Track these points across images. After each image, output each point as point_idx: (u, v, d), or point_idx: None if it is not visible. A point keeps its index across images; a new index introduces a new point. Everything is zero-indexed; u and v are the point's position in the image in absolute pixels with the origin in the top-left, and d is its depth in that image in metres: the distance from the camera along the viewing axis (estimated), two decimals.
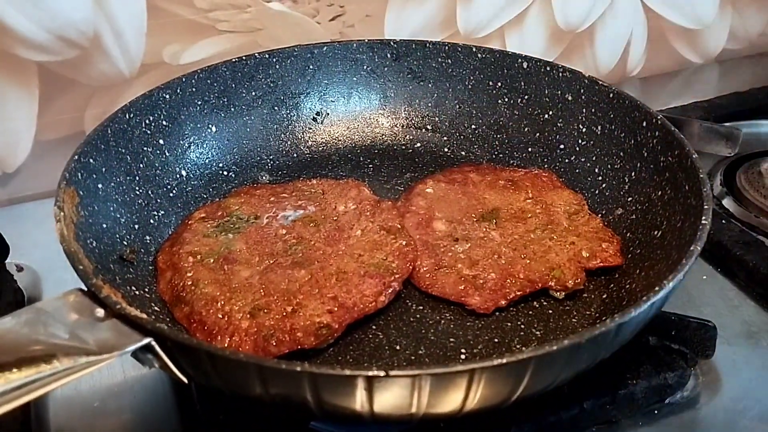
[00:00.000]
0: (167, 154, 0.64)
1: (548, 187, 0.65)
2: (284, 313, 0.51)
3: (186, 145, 0.66)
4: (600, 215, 0.62)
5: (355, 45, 0.73)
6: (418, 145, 0.73)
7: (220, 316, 0.51)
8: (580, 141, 0.67)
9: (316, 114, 0.73)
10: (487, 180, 0.65)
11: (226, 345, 0.50)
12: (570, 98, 0.67)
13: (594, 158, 0.65)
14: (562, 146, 0.68)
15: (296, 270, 0.55)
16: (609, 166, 0.64)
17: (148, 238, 0.59)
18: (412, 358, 0.51)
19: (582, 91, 0.67)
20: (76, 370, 0.38)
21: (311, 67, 0.72)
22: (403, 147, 0.73)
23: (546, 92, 0.69)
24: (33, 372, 0.37)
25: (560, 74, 0.68)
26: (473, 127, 0.72)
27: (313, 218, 0.61)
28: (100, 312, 0.42)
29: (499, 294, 0.54)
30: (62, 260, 0.47)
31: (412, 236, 0.59)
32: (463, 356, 0.51)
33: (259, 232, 0.59)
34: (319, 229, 0.59)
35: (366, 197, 0.63)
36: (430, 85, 0.74)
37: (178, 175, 0.64)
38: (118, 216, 0.57)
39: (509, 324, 0.54)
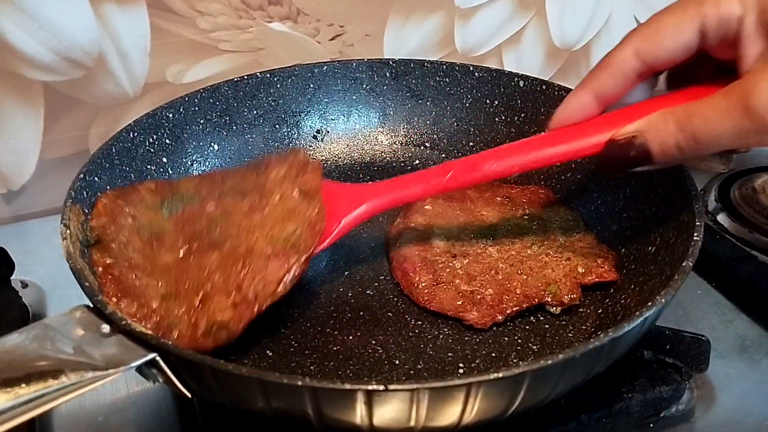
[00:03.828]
0: (170, 172, 0.65)
1: (544, 203, 0.66)
2: (192, 306, 0.49)
3: (189, 163, 0.67)
4: (595, 231, 0.63)
5: (354, 64, 0.74)
6: (417, 162, 0.74)
7: (137, 284, 0.50)
8: None
9: (316, 132, 0.74)
10: (485, 197, 0.66)
11: (133, 311, 0.48)
12: None
13: (589, 175, 0.66)
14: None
15: (210, 252, 0.52)
16: (604, 183, 0.65)
17: None
18: (411, 372, 0.52)
19: None
20: (83, 384, 0.39)
21: (311, 86, 0.73)
22: (402, 164, 0.74)
23: (542, 110, 0.70)
24: (41, 387, 0.38)
25: (556, 92, 0.69)
26: (471, 144, 0.74)
27: (242, 188, 0.58)
28: (106, 328, 0.43)
29: (497, 309, 0.55)
30: (67, 277, 0.48)
31: (325, 203, 0.55)
32: (461, 370, 0.52)
33: (191, 210, 0.56)
34: (243, 199, 0.56)
35: (299, 160, 0.59)
36: (428, 104, 0.75)
37: None
38: None
39: (506, 339, 0.55)
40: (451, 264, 0.59)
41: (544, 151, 0.54)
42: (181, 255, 0.53)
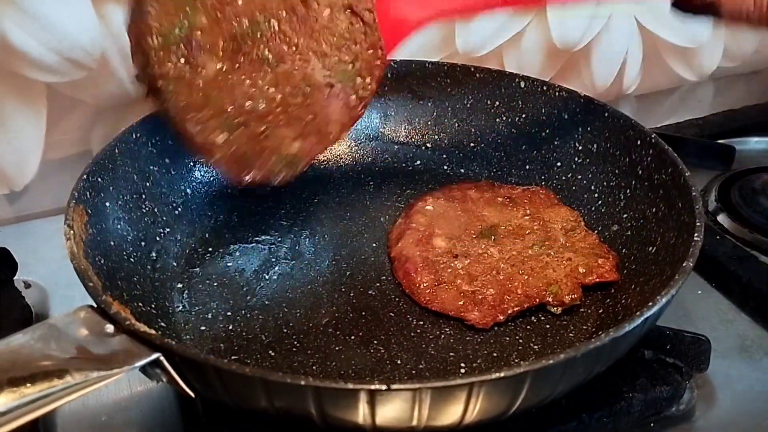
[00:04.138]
0: (173, 172, 0.65)
1: (546, 203, 0.66)
2: (257, 134, 0.49)
3: (191, 163, 0.67)
4: (596, 231, 0.63)
5: None
6: (418, 162, 0.75)
7: (196, 126, 0.50)
8: (576, 159, 0.68)
9: None
10: (486, 197, 0.67)
11: (208, 162, 0.50)
12: (566, 117, 0.69)
13: (590, 175, 0.67)
14: (558, 164, 0.69)
15: (260, 69, 0.50)
16: (604, 184, 0.65)
17: (154, 255, 0.60)
18: (413, 372, 0.52)
19: (578, 110, 0.68)
20: (88, 384, 0.39)
21: None
22: (404, 165, 0.74)
23: (543, 111, 0.70)
24: (46, 386, 0.38)
25: (556, 93, 0.70)
26: (472, 145, 0.74)
27: None
28: (110, 328, 0.43)
29: (498, 309, 0.55)
30: (69, 277, 0.48)
31: (380, 31, 0.53)
32: (462, 370, 0.52)
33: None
34: (285, 3, 0.52)
35: None
36: (429, 104, 0.75)
37: (183, 193, 0.66)
38: (125, 234, 0.58)
39: (508, 339, 0.55)
40: (452, 264, 0.59)
41: None
42: (228, 64, 0.50)
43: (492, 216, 0.64)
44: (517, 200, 0.66)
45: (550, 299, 0.56)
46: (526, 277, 0.58)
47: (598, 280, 0.57)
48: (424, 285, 0.58)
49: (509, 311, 0.55)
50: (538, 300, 0.56)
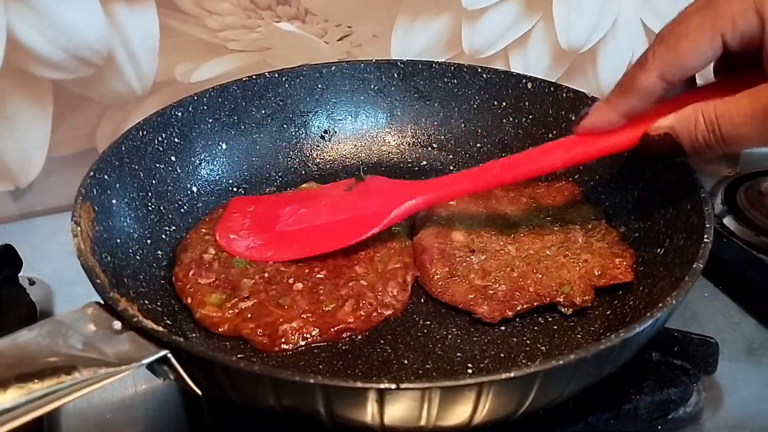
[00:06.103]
0: (179, 170, 0.65)
1: (569, 201, 0.65)
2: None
3: (197, 161, 0.67)
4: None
5: (362, 65, 0.74)
6: (424, 163, 0.74)
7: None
8: None
9: (324, 132, 0.74)
10: (511, 196, 0.66)
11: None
12: (573, 118, 0.68)
13: (597, 177, 0.67)
14: None
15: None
16: (612, 185, 0.65)
17: (159, 252, 0.60)
18: (420, 372, 0.52)
19: None
20: (95, 380, 0.39)
21: (319, 86, 0.73)
22: (410, 165, 0.74)
23: (550, 112, 0.70)
24: (54, 383, 0.38)
25: (564, 94, 0.69)
26: (478, 145, 0.74)
27: None
28: (118, 324, 0.43)
29: (507, 305, 0.55)
30: (74, 274, 0.48)
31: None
32: (470, 370, 0.52)
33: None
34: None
35: None
36: (436, 105, 0.75)
37: (189, 191, 0.65)
38: (131, 231, 0.58)
39: (515, 339, 0.55)
40: (468, 258, 0.59)
41: (583, 148, 0.56)
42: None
43: (514, 214, 0.64)
44: (540, 200, 0.66)
45: (562, 299, 0.56)
46: (540, 276, 0.57)
47: (611, 282, 0.57)
48: (438, 277, 0.58)
49: (518, 307, 0.55)
50: (548, 299, 0.56)
